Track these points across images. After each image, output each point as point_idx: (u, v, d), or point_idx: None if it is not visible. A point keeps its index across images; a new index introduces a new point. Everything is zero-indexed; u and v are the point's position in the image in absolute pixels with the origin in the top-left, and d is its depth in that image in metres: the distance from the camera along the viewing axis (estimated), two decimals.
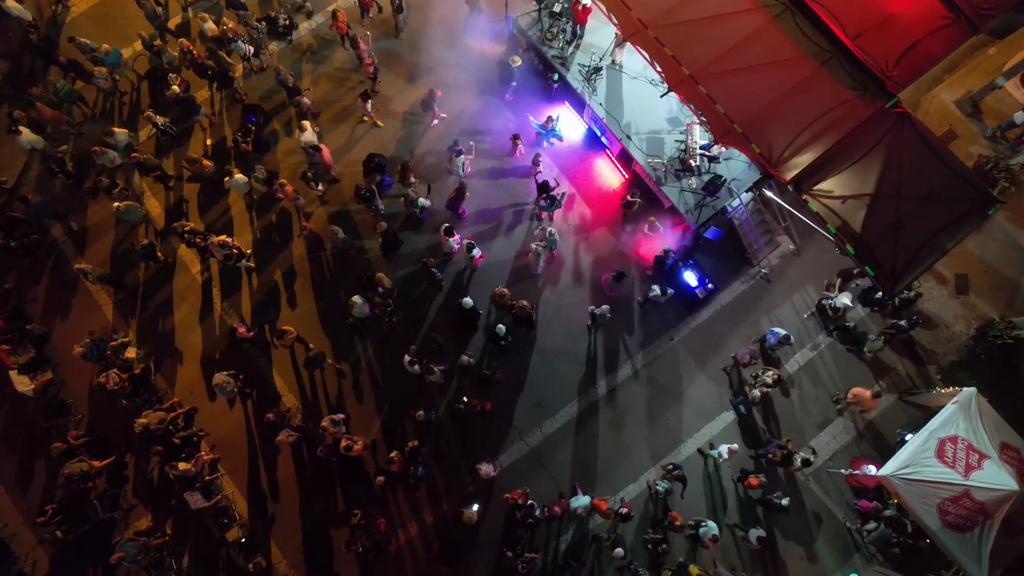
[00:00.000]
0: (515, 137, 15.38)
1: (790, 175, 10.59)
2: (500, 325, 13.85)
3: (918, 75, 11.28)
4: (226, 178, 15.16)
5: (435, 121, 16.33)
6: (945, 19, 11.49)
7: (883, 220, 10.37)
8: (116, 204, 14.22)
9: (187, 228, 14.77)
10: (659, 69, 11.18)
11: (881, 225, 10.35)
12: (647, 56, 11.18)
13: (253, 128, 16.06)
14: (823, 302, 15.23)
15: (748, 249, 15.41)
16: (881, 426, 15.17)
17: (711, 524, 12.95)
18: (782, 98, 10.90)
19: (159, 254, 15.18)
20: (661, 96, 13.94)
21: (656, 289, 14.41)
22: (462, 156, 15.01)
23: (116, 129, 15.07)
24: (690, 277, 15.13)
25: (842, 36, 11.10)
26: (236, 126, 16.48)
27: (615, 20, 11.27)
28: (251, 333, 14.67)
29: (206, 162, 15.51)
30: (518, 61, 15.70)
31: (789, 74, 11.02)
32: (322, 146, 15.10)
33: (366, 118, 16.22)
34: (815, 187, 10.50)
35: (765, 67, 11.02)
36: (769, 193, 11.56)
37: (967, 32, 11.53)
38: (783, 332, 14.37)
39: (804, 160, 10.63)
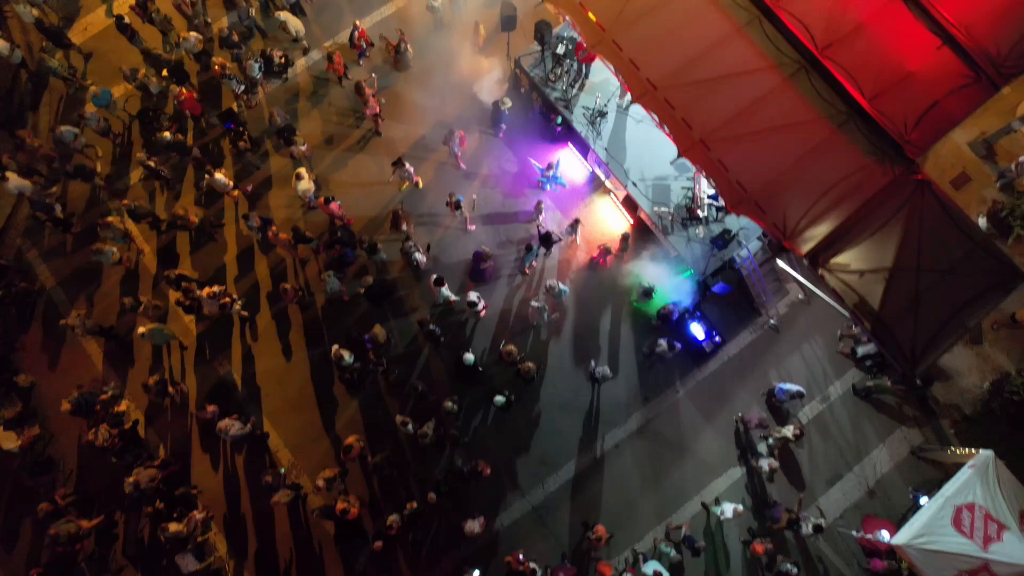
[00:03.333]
0: (539, 204, 14.91)
1: (805, 248, 10.16)
2: (499, 396, 13.37)
3: (937, 138, 10.83)
4: (207, 176, 14.94)
5: (463, 166, 15.97)
6: (966, 77, 11.04)
7: (902, 296, 9.94)
8: (140, 330, 13.70)
9: (176, 276, 14.40)
10: (668, 131, 10.71)
11: (900, 302, 9.91)
12: (656, 119, 10.71)
13: (239, 130, 15.72)
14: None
15: (756, 299, 14.97)
16: (893, 482, 14.73)
17: None
18: (797, 164, 10.46)
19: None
20: (671, 163, 13.55)
21: (663, 344, 13.97)
22: (461, 209, 14.56)
23: (111, 219, 14.59)
24: (697, 330, 14.69)
25: (859, 97, 10.65)
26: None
27: (623, 80, 10.81)
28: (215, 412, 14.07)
29: (193, 217, 15.07)
30: (508, 103, 15.24)
31: (804, 138, 10.57)
32: (333, 202, 14.65)
33: (406, 183, 15.70)
34: (831, 261, 10.07)
35: (779, 130, 10.57)
36: (783, 264, 11.14)
37: (988, 91, 11.07)
38: (795, 388, 13.94)
39: (820, 232, 10.19)
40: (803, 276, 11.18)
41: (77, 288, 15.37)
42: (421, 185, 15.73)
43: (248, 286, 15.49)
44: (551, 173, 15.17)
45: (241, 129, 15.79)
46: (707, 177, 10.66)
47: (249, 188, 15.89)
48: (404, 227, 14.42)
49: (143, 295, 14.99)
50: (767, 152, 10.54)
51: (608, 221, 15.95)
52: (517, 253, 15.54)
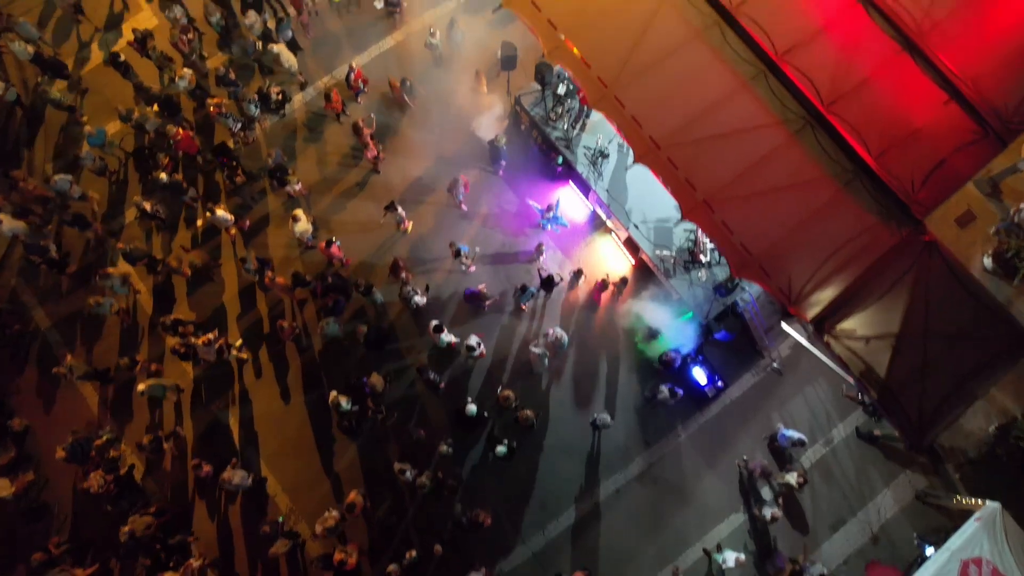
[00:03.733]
0: (540, 246, 14.85)
1: (811, 313, 9.98)
2: (500, 447, 13.20)
3: (945, 197, 10.64)
4: (208, 213, 14.80)
5: (464, 208, 15.77)
6: (973, 133, 10.85)
7: (909, 364, 9.75)
8: (140, 387, 13.48)
9: (171, 321, 14.24)
10: (671, 191, 10.52)
11: (907, 369, 9.73)
12: (659, 179, 10.53)
13: (232, 165, 15.56)
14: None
15: (759, 342, 14.79)
16: (898, 527, 14.56)
17: None
18: (802, 225, 10.27)
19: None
20: (674, 225, 13.37)
21: (665, 391, 13.82)
22: (462, 256, 14.39)
23: (111, 270, 14.31)
24: (699, 374, 14.52)
25: (865, 155, 10.46)
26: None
27: (625, 138, 10.62)
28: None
29: (187, 269, 14.94)
30: (503, 140, 15.05)
31: (810, 198, 10.39)
32: (334, 245, 14.49)
33: (402, 227, 15.52)
34: (837, 327, 9.90)
35: (784, 190, 10.39)
36: (788, 328, 10.98)
37: (996, 148, 10.89)
38: (797, 435, 13.78)
39: (826, 296, 10.01)
40: (808, 341, 11.00)
41: (73, 330, 15.19)
42: (409, 230, 15.50)
43: (245, 327, 15.31)
44: (551, 214, 14.98)
45: (235, 163, 15.63)
46: (711, 240, 10.48)
47: (246, 224, 15.72)
48: (403, 275, 14.22)
49: (140, 354, 14.84)
50: (772, 213, 10.36)
51: (609, 261, 15.76)
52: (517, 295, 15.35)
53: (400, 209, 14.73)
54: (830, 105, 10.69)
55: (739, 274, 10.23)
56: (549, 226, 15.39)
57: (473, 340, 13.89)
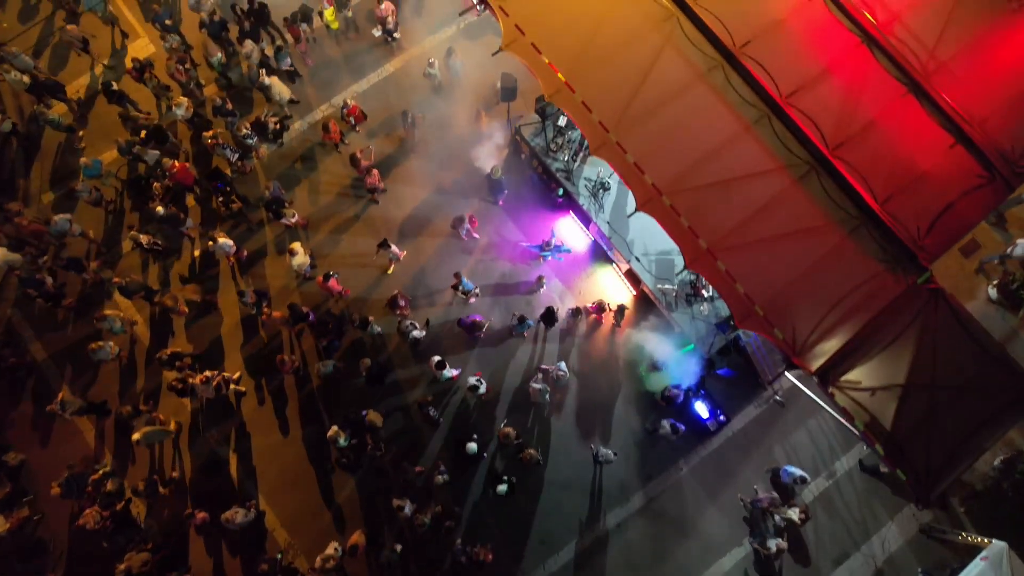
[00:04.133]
0: (540, 278, 14.81)
1: (815, 364, 9.84)
2: (501, 485, 13.08)
3: (952, 243, 10.51)
4: (210, 243, 14.69)
5: (475, 235, 15.64)
6: (980, 177, 10.71)
7: (915, 415, 9.62)
8: (136, 436, 13.30)
9: (169, 355, 14.13)
10: (674, 238, 10.37)
11: (913, 421, 9.59)
12: (662, 226, 10.38)
13: (226, 190, 15.46)
14: None
15: (761, 375, 14.66)
16: (902, 561, 14.45)
17: None
18: (807, 274, 10.13)
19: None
20: (677, 274, 13.24)
21: (666, 426, 13.70)
22: (462, 291, 14.26)
23: (108, 312, 14.11)
24: (701, 408, 14.41)
25: (871, 200, 10.32)
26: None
27: (627, 184, 10.46)
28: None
29: (183, 307, 14.83)
30: (499, 173, 14.92)
31: (814, 245, 10.25)
32: (332, 278, 14.33)
33: (392, 265, 15.37)
34: (842, 378, 9.76)
35: (789, 237, 10.24)
36: (792, 377, 10.84)
37: (1003, 192, 10.76)
38: (799, 472, 13.67)
39: (830, 347, 9.87)
40: (812, 391, 10.87)
41: (70, 362, 15.04)
42: (401, 258, 15.33)
43: (244, 358, 15.17)
44: (552, 247, 14.84)
45: (228, 188, 15.53)
46: (714, 289, 10.35)
47: (244, 255, 15.58)
48: (400, 311, 14.10)
49: (142, 402, 14.65)
50: (777, 261, 10.21)
51: (610, 291, 15.63)
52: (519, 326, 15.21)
53: (393, 247, 14.58)
54: (835, 149, 10.54)
55: (743, 325, 10.08)
56: (550, 256, 15.24)
57: (474, 379, 13.78)
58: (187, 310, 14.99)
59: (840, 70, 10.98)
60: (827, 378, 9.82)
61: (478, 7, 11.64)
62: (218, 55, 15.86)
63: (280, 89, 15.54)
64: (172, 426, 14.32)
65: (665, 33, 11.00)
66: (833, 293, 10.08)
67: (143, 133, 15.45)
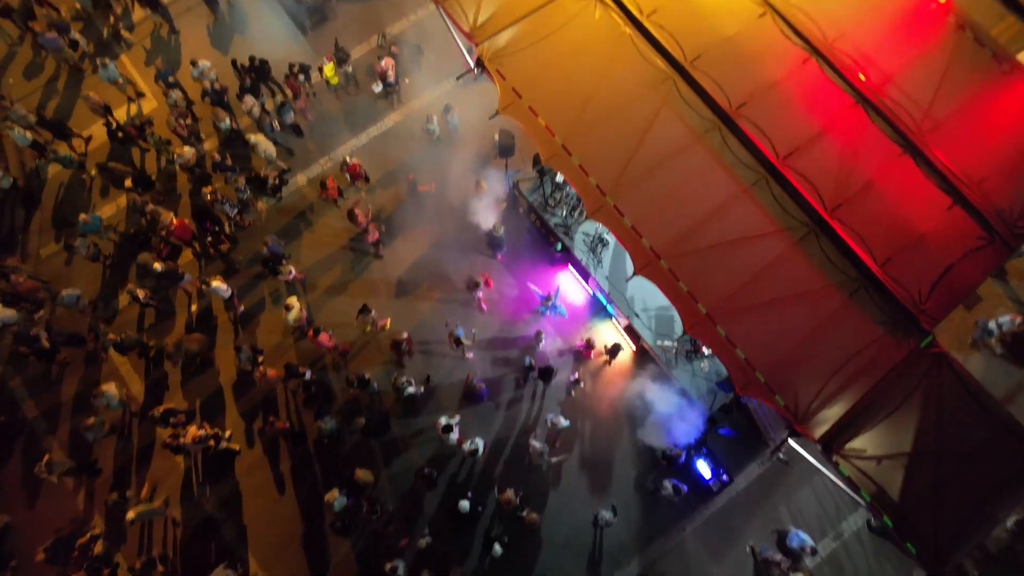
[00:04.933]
0: (539, 333, 14.68)
1: (819, 432, 9.63)
2: (496, 546, 12.74)
3: (953, 306, 10.37)
4: (204, 286, 14.63)
5: (484, 308, 15.48)
6: (980, 239, 10.63)
7: (923, 485, 9.34)
8: (130, 515, 13.04)
9: (162, 412, 13.92)
10: (673, 303, 10.27)
11: (921, 491, 9.31)
12: (661, 290, 10.29)
13: (215, 230, 15.51)
14: None
15: (764, 433, 14.39)
16: None
17: None
18: (808, 338, 9.99)
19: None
20: (676, 338, 13.14)
21: (668, 487, 13.37)
22: (461, 343, 14.11)
23: (104, 387, 13.91)
24: (703, 467, 14.11)
25: (870, 263, 10.23)
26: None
27: (626, 248, 10.41)
28: None
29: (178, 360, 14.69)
30: (501, 229, 14.89)
31: (815, 309, 10.13)
32: (323, 333, 14.19)
33: (368, 327, 15.15)
34: (846, 446, 9.55)
35: (789, 301, 10.13)
36: (795, 445, 10.63)
37: (1003, 253, 10.68)
38: (810, 543, 13.27)
39: (833, 414, 9.68)
40: (817, 459, 10.63)
41: (61, 419, 14.83)
42: (388, 327, 15.24)
43: (239, 415, 14.94)
44: (551, 303, 14.74)
45: (217, 228, 15.56)
46: (715, 354, 10.20)
47: (241, 308, 15.50)
48: (405, 355, 13.96)
49: (130, 488, 14.31)
50: (777, 325, 10.07)
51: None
52: (516, 383, 15.02)
53: (374, 313, 14.45)
54: (834, 211, 10.49)
55: (744, 392, 9.89)
56: (548, 313, 15.13)
57: (479, 442, 13.51)
58: (181, 362, 14.85)
59: (836, 131, 10.98)
60: (831, 447, 9.60)
61: (475, 70, 11.74)
62: (226, 120, 16.03)
63: (266, 147, 15.64)
64: (157, 504, 13.90)
65: (661, 95, 11.06)
66: (835, 358, 9.91)
67: (128, 181, 15.58)
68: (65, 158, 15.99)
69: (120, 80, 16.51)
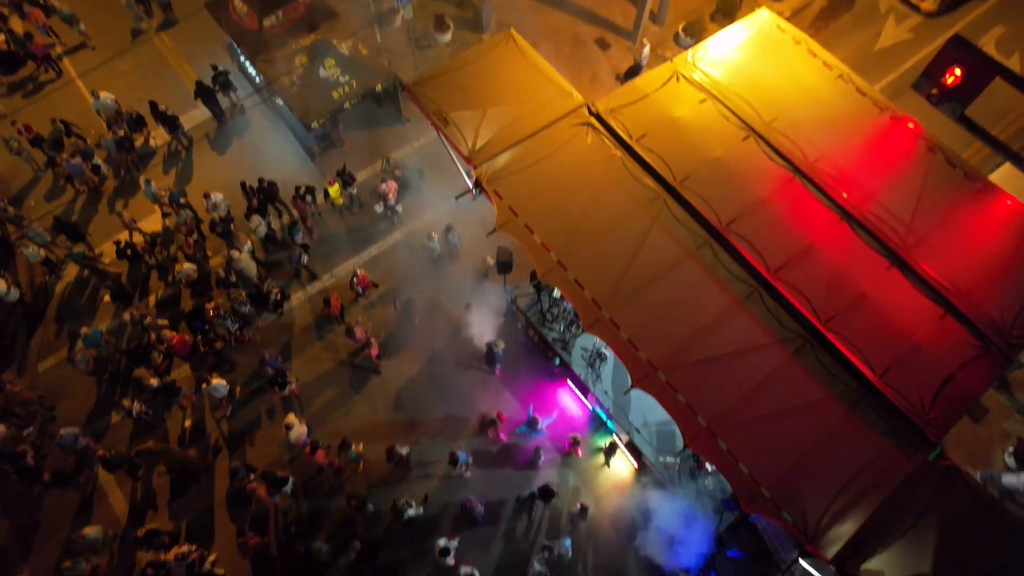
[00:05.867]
0: (537, 449, 14.53)
1: (831, 551, 9.17)
2: None
3: (958, 416, 10.22)
4: (203, 384, 14.44)
5: (503, 438, 15.16)
6: (975, 348, 10.65)
7: None
8: None
9: (145, 533, 13.29)
10: (672, 416, 10.15)
11: None
12: (660, 403, 10.21)
13: (206, 329, 15.48)
14: None
15: (775, 554, 13.66)
16: None
17: None
18: (813, 451, 9.76)
19: None
20: (676, 455, 13.01)
21: None
22: (459, 464, 13.78)
23: (87, 530, 13.42)
24: None
25: (869, 373, 10.20)
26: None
27: (623, 359, 10.43)
28: None
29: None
30: (501, 345, 14.95)
31: (817, 421, 9.98)
32: (320, 450, 13.91)
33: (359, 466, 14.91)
34: (862, 567, 9.07)
35: (790, 413, 10.01)
36: (807, 567, 10.16)
37: (1001, 363, 10.66)
38: None
39: (845, 531, 9.26)
40: None
41: (34, 541, 14.15)
42: (360, 470, 14.92)
43: (229, 536, 14.26)
44: (536, 427, 14.55)
45: (208, 327, 15.59)
46: (718, 470, 9.93)
47: (228, 411, 15.26)
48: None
49: None
50: (780, 438, 9.88)
51: (611, 466, 15.06)
52: (516, 502, 14.47)
53: (354, 446, 14.15)
54: (827, 322, 10.58)
55: (749, 509, 9.53)
56: (532, 435, 14.87)
57: (471, 570, 12.82)
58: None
59: (824, 245, 11.30)
60: (846, 568, 9.09)
61: (474, 191, 12.28)
62: (248, 244, 16.63)
63: (247, 265, 16.04)
64: None
65: (653, 213, 11.50)
66: (842, 472, 9.62)
67: (107, 296, 16.02)
68: (78, 254, 16.41)
69: (161, 195, 17.25)
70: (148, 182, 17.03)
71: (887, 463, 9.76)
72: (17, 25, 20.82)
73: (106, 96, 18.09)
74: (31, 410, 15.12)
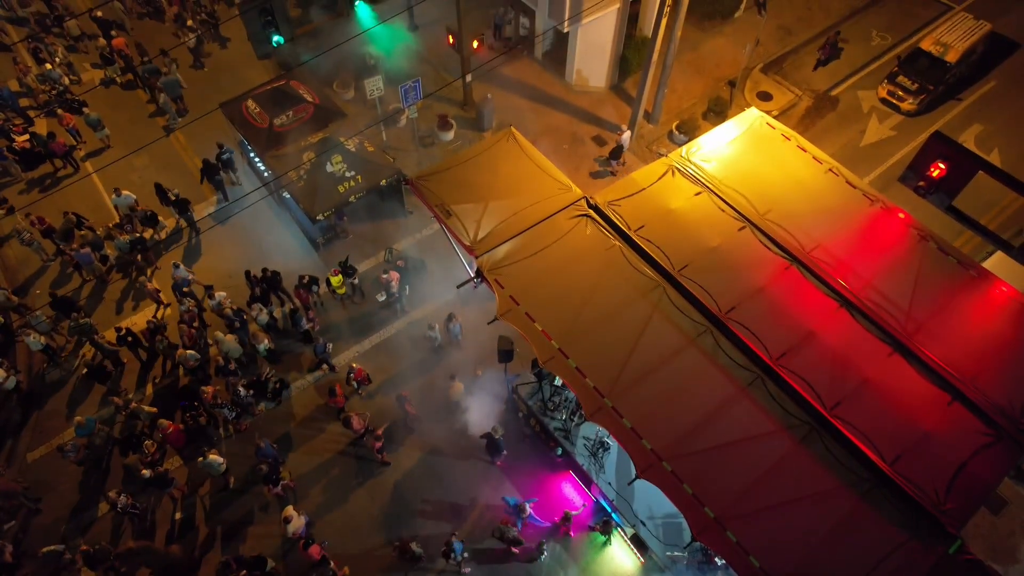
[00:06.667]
0: (540, 545, 14.04)
1: None
2: None
3: (976, 506, 9.92)
4: (199, 458, 14.26)
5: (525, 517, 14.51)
6: (986, 436, 10.47)
7: None
8: None
9: None
10: (678, 507, 9.84)
11: None
12: (665, 493, 9.93)
13: (194, 404, 15.43)
14: None
15: None
16: None
17: None
18: (826, 543, 9.39)
19: None
20: (685, 547, 12.64)
21: None
22: (453, 555, 13.23)
23: None
24: None
25: (879, 462, 9.96)
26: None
27: (627, 450, 10.24)
28: None
29: None
30: (500, 432, 14.70)
31: (829, 511, 9.67)
32: (314, 545, 13.35)
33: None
34: None
35: (800, 502, 9.72)
36: None
37: (1014, 450, 10.44)
38: None
39: None
40: None
41: None
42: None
43: None
44: (524, 515, 14.07)
45: (196, 403, 15.44)
46: (729, 565, 9.53)
47: (232, 481, 14.93)
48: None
49: None
50: (790, 530, 9.54)
51: (616, 559, 14.42)
52: None
53: (326, 542, 13.67)
54: (833, 408, 10.46)
55: None
56: (521, 524, 14.33)
57: None
58: None
59: (825, 332, 11.33)
60: None
61: (475, 280, 12.46)
62: (265, 342, 16.73)
63: (231, 347, 16.07)
64: None
65: (653, 301, 11.61)
66: (859, 565, 9.21)
67: (83, 370, 16.19)
68: (85, 325, 16.39)
69: (190, 276, 17.50)
70: (178, 266, 17.40)
71: (906, 556, 9.36)
72: (41, 124, 21.76)
73: (127, 195, 18.83)
74: (13, 503, 14.64)
